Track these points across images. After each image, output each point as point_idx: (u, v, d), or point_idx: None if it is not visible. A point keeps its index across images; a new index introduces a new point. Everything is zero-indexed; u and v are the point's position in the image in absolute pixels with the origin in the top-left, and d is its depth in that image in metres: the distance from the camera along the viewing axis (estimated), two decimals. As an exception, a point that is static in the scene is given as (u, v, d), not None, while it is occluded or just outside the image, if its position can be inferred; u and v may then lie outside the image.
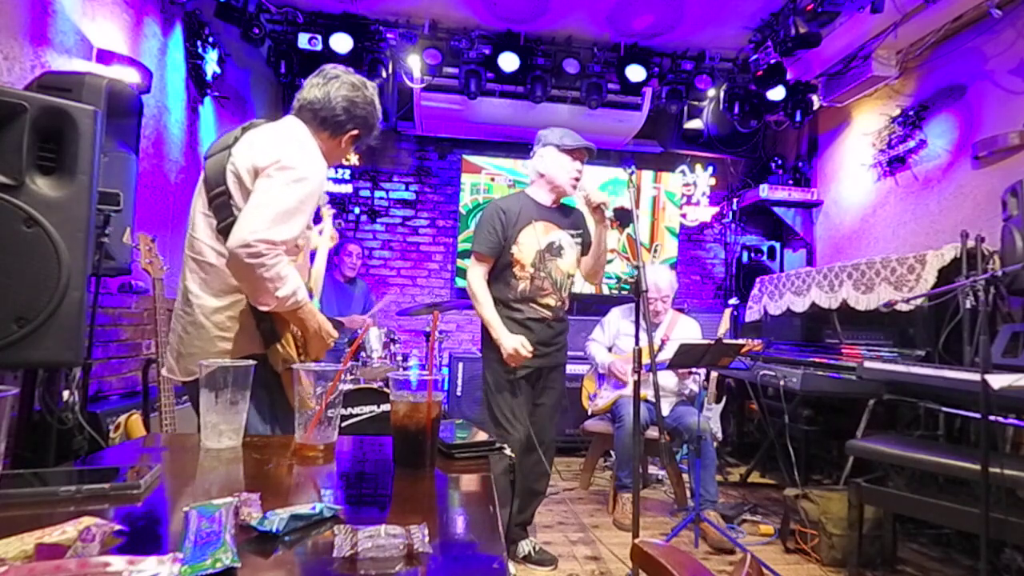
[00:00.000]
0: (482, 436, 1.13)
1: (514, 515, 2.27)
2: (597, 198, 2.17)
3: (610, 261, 4.96)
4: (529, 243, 2.24)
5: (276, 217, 1.27)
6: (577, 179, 2.28)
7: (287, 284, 1.30)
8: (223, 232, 1.34)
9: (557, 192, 2.31)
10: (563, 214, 2.35)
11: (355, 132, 1.54)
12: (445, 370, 4.27)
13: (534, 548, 2.39)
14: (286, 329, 1.42)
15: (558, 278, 2.28)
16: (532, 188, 2.37)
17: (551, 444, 2.39)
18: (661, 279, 3.06)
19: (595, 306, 4.81)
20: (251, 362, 1.06)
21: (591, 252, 2.35)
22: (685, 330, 3.09)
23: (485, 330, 2.26)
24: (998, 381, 1.76)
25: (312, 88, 1.49)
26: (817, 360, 3.26)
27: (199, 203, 1.44)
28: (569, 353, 4.38)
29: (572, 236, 2.33)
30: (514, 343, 2.16)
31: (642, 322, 1.94)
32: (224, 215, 1.36)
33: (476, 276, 2.25)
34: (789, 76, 4.15)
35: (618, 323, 3.16)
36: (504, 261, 2.25)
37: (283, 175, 1.31)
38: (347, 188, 4.90)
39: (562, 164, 2.26)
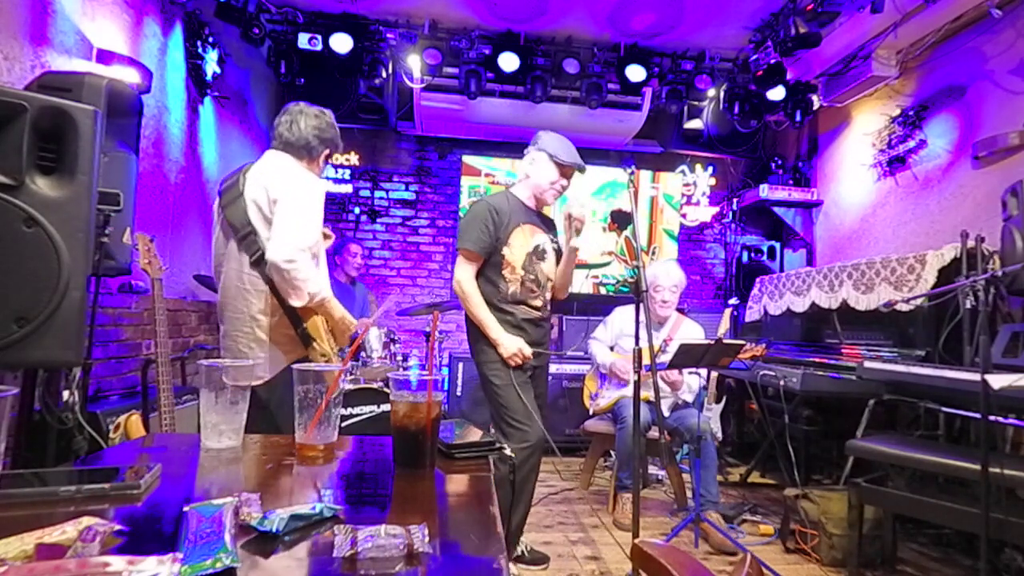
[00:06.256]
0: (476, 433, 1.13)
1: (519, 518, 2.26)
2: (576, 212, 2.18)
3: (608, 263, 4.96)
4: (519, 245, 2.22)
5: (299, 230, 1.68)
6: (559, 193, 2.29)
7: (313, 282, 1.70)
8: (255, 264, 1.74)
9: (537, 198, 2.30)
10: (542, 219, 2.36)
11: (327, 152, 1.95)
12: (445, 370, 4.27)
13: (526, 548, 2.38)
14: (315, 329, 1.79)
15: (542, 280, 2.28)
16: (518, 187, 2.33)
17: None
18: (672, 270, 3.08)
19: (595, 306, 4.81)
20: (251, 362, 1.07)
21: (561, 265, 2.34)
22: (689, 333, 3.09)
23: (475, 332, 2.21)
24: (998, 381, 1.76)
25: (283, 128, 1.88)
26: (817, 360, 3.26)
27: (231, 245, 1.79)
28: (570, 353, 4.42)
29: (551, 241, 2.34)
30: (516, 344, 2.14)
31: (643, 322, 1.94)
32: (253, 250, 1.74)
33: (467, 275, 2.18)
34: (789, 76, 4.15)
35: (622, 323, 3.15)
36: (494, 261, 2.20)
37: (295, 199, 1.71)
38: (347, 188, 4.90)
39: (549, 175, 2.24)
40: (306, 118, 1.88)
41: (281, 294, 1.71)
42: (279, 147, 1.89)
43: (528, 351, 2.16)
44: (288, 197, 1.71)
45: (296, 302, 1.70)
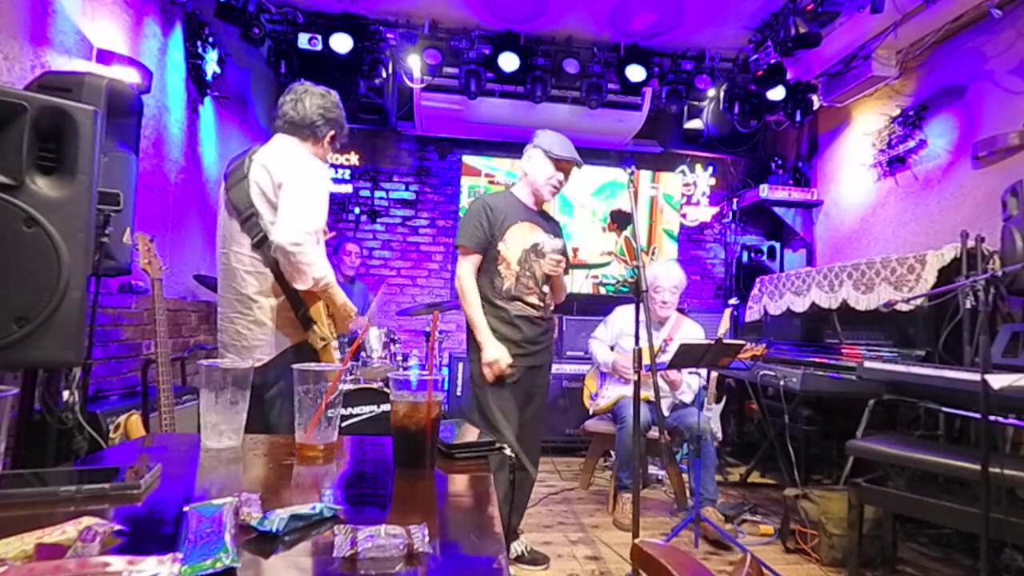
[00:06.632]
0: (476, 433, 1.13)
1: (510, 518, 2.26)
2: (547, 269, 2.22)
3: (608, 263, 4.96)
4: (515, 242, 2.24)
5: (306, 212, 1.67)
6: (556, 189, 2.30)
7: (319, 267, 1.70)
8: (257, 246, 1.73)
9: (535, 195, 2.32)
10: (544, 218, 2.37)
11: (332, 133, 1.92)
12: (445, 370, 4.27)
13: (526, 548, 2.39)
14: (317, 314, 1.79)
15: (540, 278, 2.28)
16: (518, 186, 2.37)
17: (538, 445, 2.42)
18: (673, 270, 3.08)
19: (595, 306, 4.81)
20: (251, 362, 1.07)
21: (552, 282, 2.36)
22: (689, 333, 3.08)
23: (471, 330, 2.24)
24: (998, 381, 1.76)
25: (288, 107, 1.84)
26: (817, 360, 3.25)
27: (233, 226, 1.77)
28: (570, 353, 4.40)
29: (552, 240, 2.31)
30: (496, 354, 2.13)
31: (643, 322, 1.94)
32: (256, 232, 1.73)
33: (467, 272, 2.22)
34: (789, 76, 4.15)
35: (622, 323, 3.15)
36: (490, 256, 2.24)
37: (302, 183, 1.70)
38: (347, 188, 4.90)
39: (544, 170, 2.25)
40: (311, 97, 1.84)
41: (285, 277, 1.70)
42: (284, 128, 1.85)
43: (506, 363, 2.13)
44: (295, 181, 1.70)
45: (300, 285, 1.70)
